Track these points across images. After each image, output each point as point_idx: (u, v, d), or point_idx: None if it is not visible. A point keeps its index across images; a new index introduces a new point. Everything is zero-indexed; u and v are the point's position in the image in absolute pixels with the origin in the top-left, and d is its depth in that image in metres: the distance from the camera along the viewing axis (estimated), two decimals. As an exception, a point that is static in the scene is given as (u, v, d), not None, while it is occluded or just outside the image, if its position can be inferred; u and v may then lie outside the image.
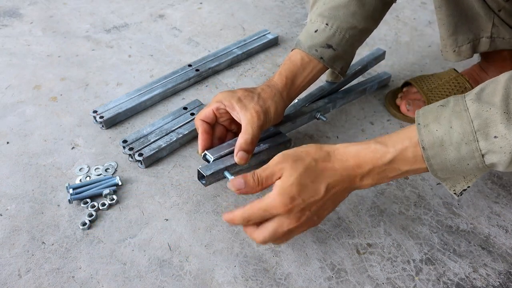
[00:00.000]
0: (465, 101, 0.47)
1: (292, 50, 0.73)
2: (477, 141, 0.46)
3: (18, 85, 0.97)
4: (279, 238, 0.54)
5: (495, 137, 0.45)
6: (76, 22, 1.20)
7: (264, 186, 0.54)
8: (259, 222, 0.54)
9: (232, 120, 0.70)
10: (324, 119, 0.82)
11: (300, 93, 0.74)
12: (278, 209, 0.51)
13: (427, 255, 0.65)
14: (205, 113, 0.68)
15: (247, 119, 0.65)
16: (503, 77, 0.47)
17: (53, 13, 1.24)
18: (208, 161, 0.68)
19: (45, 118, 0.88)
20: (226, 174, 0.66)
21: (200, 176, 0.67)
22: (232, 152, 0.68)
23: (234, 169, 0.68)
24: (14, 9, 1.26)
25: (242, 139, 0.65)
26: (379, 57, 0.94)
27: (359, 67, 0.90)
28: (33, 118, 0.88)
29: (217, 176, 0.67)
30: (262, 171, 0.54)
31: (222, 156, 0.68)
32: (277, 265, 0.63)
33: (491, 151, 0.45)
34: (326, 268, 0.63)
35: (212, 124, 0.70)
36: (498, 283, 0.62)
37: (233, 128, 0.73)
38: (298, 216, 0.52)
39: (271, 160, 0.54)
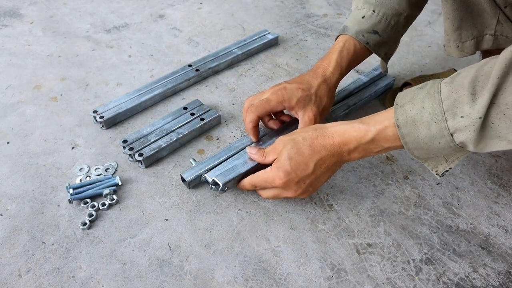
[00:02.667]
0: (440, 84, 0.51)
1: (338, 36, 0.77)
2: (446, 120, 0.49)
3: (18, 85, 0.97)
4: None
5: (462, 116, 0.47)
6: (76, 22, 1.20)
7: (266, 160, 0.66)
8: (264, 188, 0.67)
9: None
10: None
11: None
12: (275, 182, 0.62)
13: (427, 255, 0.65)
14: (266, 110, 0.73)
15: (305, 121, 0.72)
16: (480, 63, 0.49)
17: (53, 13, 1.24)
18: (218, 185, 0.70)
19: (45, 118, 0.88)
20: (207, 177, 0.71)
21: (214, 183, 0.71)
22: (239, 177, 0.71)
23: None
24: (14, 9, 1.26)
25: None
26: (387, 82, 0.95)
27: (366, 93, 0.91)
28: (33, 118, 0.88)
29: (233, 181, 0.71)
30: (268, 147, 0.67)
31: (230, 181, 0.70)
32: (277, 265, 0.63)
33: (458, 129, 0.48)
34: (326, 268, 0.63)
35: None
36: (498, 283, 0.62)
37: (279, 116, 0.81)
38: (295, 188, 0.63)
39: (275, 141, 0.66)
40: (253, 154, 0.69)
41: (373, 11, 0.73)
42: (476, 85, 0.47)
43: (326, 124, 0.62)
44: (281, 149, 0.62)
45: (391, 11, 0.73)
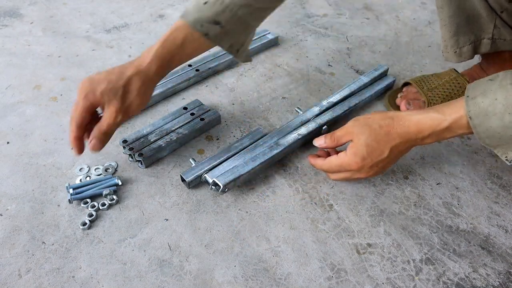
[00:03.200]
0: None
1: (178, 20, 0.67)
2: None
3: (18, 85, 0.97)
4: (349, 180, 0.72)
5: None
6: (76, 22, 1.20)
7: (338, 144, 0.68)
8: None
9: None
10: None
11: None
12: (351, 166, 0.65)
13: (427, 255, 0.65)
14: (78, 116, 0.63)
15: (104, 118, 0.63)
16: None
17: (53, 13, 1.24)
18: (218, 186, 0.70)
19: (45, 118, 0.88)
20: (207, 177, 0.71)
21: (214, 184, 0.71)
22: (241, 177, 0.71)
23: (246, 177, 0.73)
24: (14, 9, 1.26)
25: (96, 129, 0.64)
26: (382, 73, 0.95)
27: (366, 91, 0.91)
28: (33, 118, 0.88)
29: (233, 182, 0.71)
30: (338, 131, 0.68)
31: (231, 182, 0.70)
32: (277, 265, 0.63)
33: None
34: (326, 268, 0.63)
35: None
36: (498, 283, 0.62)
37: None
38: (368, 171, 0.65)
39: (346, 124, 0.67)
40: (323, 143, 0.69)
41: None
42: None
43: (401, 112, 0.63)
44: (357, 134, 0.64)
45: (239, 1, 0.63)
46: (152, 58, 0.65)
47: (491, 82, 0.54)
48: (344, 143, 0.67)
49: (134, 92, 0.65)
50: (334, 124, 0.86)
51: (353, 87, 0.90)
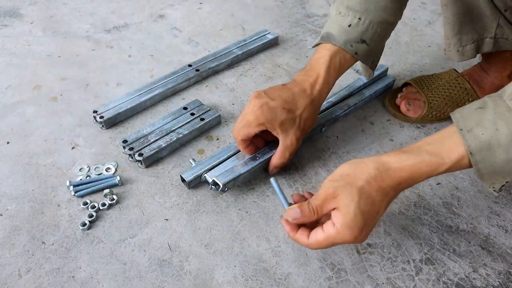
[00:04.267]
0: (505, 101, 0.47)
1: (321, 43, 0.71)
2: None
3: (18, 85, 0.97)
4: None
5: None
6: (76, 22, 1.20)
7: (320, 214, 0.54)
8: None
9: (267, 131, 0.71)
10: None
11: None
12: (347, 240, 0.52)
13: (427, 255, 0.65)
14: (248, 134, 0.70)
15: (286, 145, 0.70)
16: None
17: (53, 13, 1.24)
18: (218, 185, 0.70)
19: (45, 118, 0.88)
20: (207, 177, 0.71)
21: (214, 183, 0.71)
22: (240, 176, 0.71)
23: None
24: (14, 9, 1.26)
25: (277, 160, 0.72)
26: (383, 73, 0.95)
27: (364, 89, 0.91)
28: (33, 118, 0.88)
29: (233, 182, 0.71)
30: (316, 200, 0.54)
31: (231, 181, 0.70)
32: (277, 265, 0.63)
33: None
34: (326, 268, 0.63)
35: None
36: (498, 283, 0.62)
37: (267, 137, 0.75)
38: (364, 238, 0.53)
39: (321, 188, 0.54)
40: (299, 216, 0.55)
41: (359, 18, 0.69)
42: None
43: (386, 159, 0.53)
44: (342, 199, 0.51)
45: (377, 18, 0.69)
46: (322, 85, 0.70)
47: (482, 111, 0.48)
48: (328, 211, 0.54)
49: (310, 120, 0.71)
50: (333, 124, 0.86)
51: (352, 87, 0.90)
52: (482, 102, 0.49)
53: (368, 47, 0.71)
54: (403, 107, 0.87)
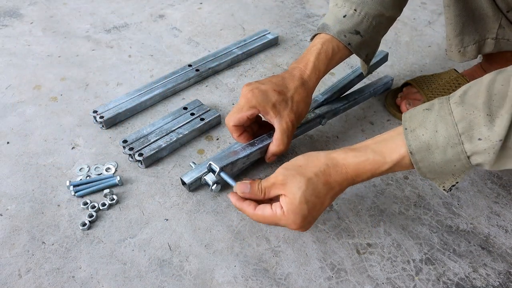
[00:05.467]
0: (450, 104, 0.48)
1: (317, 34, 0.72)
2: (462, 143, 0.47)
3: (18, 85, 0.97)
4: None
5: (479, 139, 0.46)
6: (76, 22, 1.20)
7: (266, 196, 0.58)
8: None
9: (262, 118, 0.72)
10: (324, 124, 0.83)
11: None
12: (290, 226, 0.56)
13: (427, 255, 0.65)
14: (239, 119, 0.68)
15: (282, 129, 0.68)
16: (485, 79, 0.47)
17: (53, 13, 1.24)
18: (213, 171, 0.69)
19: (45, 118, 0.88)
20: (207, 179, 0.70)
21: (213, 171, 0.69)
22: (238, 160, 0.69)
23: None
24: (14, 9, 1.26)
25: (276, 147, 0.70)
26: (383, 59, 0.94)
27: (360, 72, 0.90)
28: (33, 118, 0.88)
29: (231, 166, 0.69)
30: (266, 182, 0.58)
31: (229, 165, 0.68)
32: (277, 265, 0.63)
33: (476, 152, 0.46)
34: (326, 268, 0.63)
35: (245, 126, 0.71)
36: (498, 283, 0.62)
37: (263, 123, 0.75)
38: (307, 226, 0.57)
39: (274, 172, 0.58)
40: (247, 191, 0.59)
41: (355, 10, 0.69)
42: (491, 105, 0.45)
43: (335, 155, 0.56)
44: (290, 187, 0.55)
45: (373, 11, 0.69)
46: (311, 70, 0.70)
47: (428, 112, 0.50)
48: (274, 196, 0.58)
49: (302, 104, 0.70)
50: (333, 117, 0.86)
51: (352, 76, 0.89)
52: (431, 103, 0.51)
53: (362, 38, 0.70)
54: (403, 107, 0.87)
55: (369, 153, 0.54)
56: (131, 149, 0.77)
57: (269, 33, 1.11)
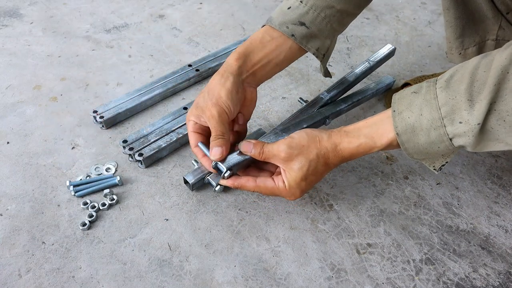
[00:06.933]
0: (436, 88, 0.51)
1: (262, 27, 0.69)
2: (444, 126, 0.50)
3: (18, 85, 0.97)
4: None
5: (460, 122, 0.49)
6: (76, 22, 1.20)
7: (264, 160, 0.62)
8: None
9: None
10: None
11: (269, 72, 0.69)
12: (287, 196, 0.63)
13: (427, 255, 0.65)
14: (191, 139, 0.67)
15: (209, 122, 0.64)
16: (471, 64, 0.50)
17: (53, 13, 1.24)
18: (220, 171, 0.66)
19: (45, 118, 0.88)
20: (211, 179, 0.70)
21: (215, 167, 0.67)
22: (244, 161, 0.66)
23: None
24: (14, 9, 1.26)
25: (214, 137, 0.64)
26: (390, 53, 0.93)
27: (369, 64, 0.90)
28: (33, 118, 0.88)
29: (237, 167, 0.67)
30: (268, 151, 0.61)
31: (235, 165, 0.66)
32: (277, 265, 0.63)
33: (457, 135, 0.50)
34: (326, 268, 0.63)
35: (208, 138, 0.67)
36: (498, 283, 0.62)
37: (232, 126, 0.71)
38: (300, 196, 0.63)
39: (279, 144, 0.61)
40: (250, 151, 0.62)
41: (301, 2, 0.67)
42: (472, 91, 0.48)
43: (334, 139, 0.61)
44: (290, 164, 0.60)
45: (321, 3, 0.66)
46: (231, 55, 0.67)
47: (415, 96, 0.53)
48: (269, 162, 0.63)
49: (217, 87, 0.64)
50: (337, 117, 0.86)
51: (358, 72, 0.89)
52: (419, 86, 0.54)
53: (309, 30, 0.67)
54: (403, 107, 0.87)
55: (362, 138, 0.58)
56: (131, 149, 0.77)
57: (269, 33, 1.11)
